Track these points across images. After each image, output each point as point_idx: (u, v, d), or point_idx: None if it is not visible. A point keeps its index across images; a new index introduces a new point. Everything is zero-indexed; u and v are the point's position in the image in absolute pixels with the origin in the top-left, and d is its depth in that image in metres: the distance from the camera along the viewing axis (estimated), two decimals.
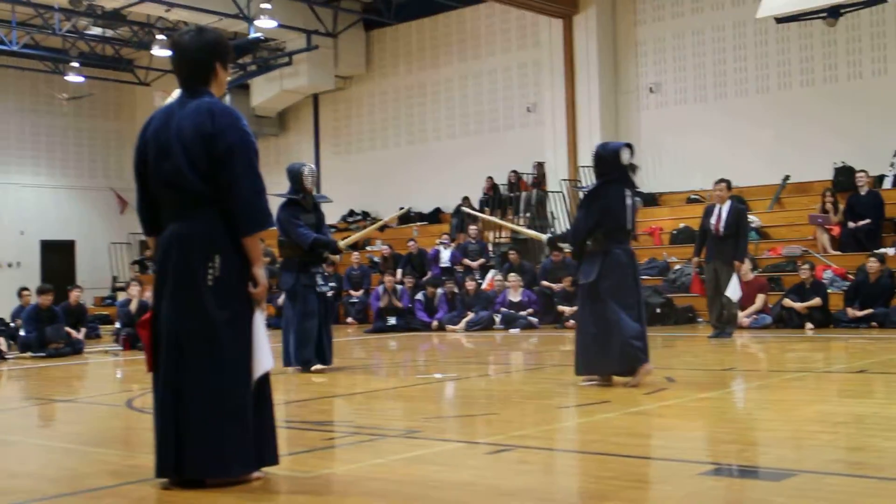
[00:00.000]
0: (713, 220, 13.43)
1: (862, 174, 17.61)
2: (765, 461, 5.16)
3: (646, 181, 21.85)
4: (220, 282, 4.68)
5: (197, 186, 4.66)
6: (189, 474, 4.63)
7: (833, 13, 15.88)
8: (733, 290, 13.12)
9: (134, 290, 17.12)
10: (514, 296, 17.86)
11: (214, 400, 4.63)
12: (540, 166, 22.83)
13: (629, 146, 8.55)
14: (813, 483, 4.46)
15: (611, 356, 8.19)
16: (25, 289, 17.89)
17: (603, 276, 8.18)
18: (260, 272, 4.80)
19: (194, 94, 4.79)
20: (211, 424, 4.59)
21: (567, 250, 9.70)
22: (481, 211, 23.01)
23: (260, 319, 4.82)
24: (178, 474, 4.64)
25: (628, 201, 8.43)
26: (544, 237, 10.22)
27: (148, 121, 4.91)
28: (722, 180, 13.81)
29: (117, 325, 17.24)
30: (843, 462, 5.00)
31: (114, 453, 6.17)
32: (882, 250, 16.24)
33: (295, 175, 10.50)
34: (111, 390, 10.76)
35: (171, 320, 4.69)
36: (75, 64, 27.74)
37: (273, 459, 4.83)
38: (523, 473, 5.03)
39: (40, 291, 16.28)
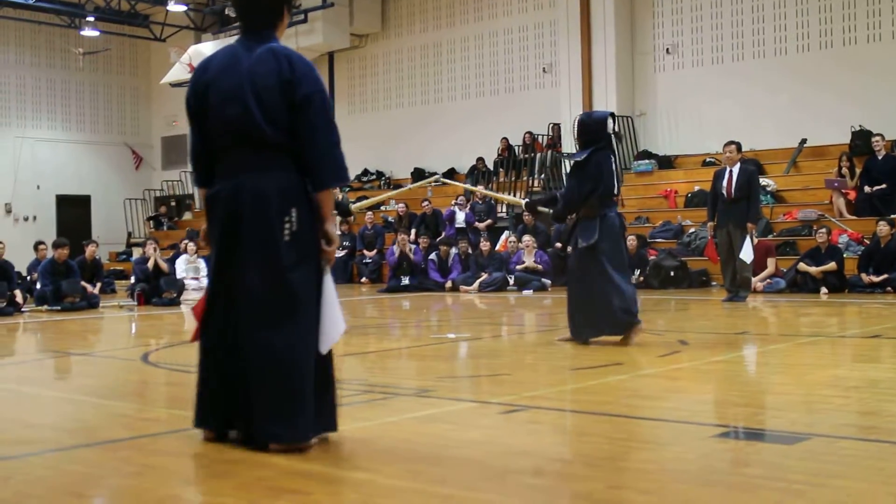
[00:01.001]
0: (724, 183, 13.37)
1: (879, 138, 17.56)
2: (776, 424, 5.15)
3: (661, 144, 21.84)
4: (296, 237, 4.40)
5: (270, 135, 4.39)
6: (259, 440, 4.35)
7: None
8: (747, 253, 13.08)
9: (150, 249, 17.20)
10: (528, 257, 17.86)
11: (289, 361, 4.36)
12: (555, 128, 22.74)
13: (613, 115, 8.92)
14: (825, 447, 4.46)
15: (609, 318, 8.42)
16: (42, 243, 17.95)
17: (601, 240, 8.39)
18: (332, 228, 4.53)
19: (261, 39, 4.53)
20: (285, 388, 4.33)
21: (546, 213, 9.75)
22: (496, 173, 22.99)
23: (330, 279, 4.55)
24: (244, 440, 4.43)
25: (615, 167, 8.75)
26: (522, 201, 10.45)
27: (205, 62, 4.63)
28: (731, 142, 13.72)
29: (132, 280, 17.31)
30: (856, 426, 5.00)
31: (129, 406, 6.21)
32: None
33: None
34: (126, 345, 10.82)
35: (246, 278, 4.40)
36: (91, 18, 27.75)
37: (332, 426, 4.59)
38: (535, 433, 5.05)
39: (56, 245, 16.38)
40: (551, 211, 9.46)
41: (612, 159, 8.75)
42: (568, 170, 9.80)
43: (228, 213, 4.45)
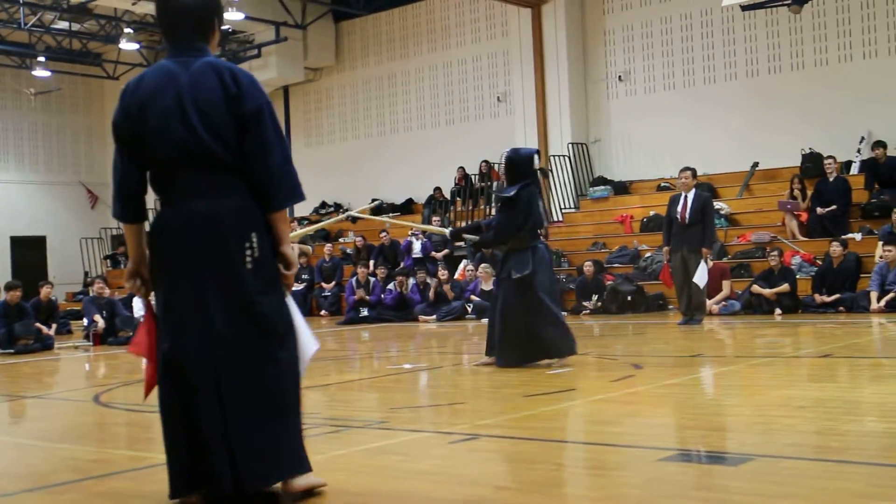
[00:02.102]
0: (679, 209, 13.48)
1: (829, 160, 17.74)
2: (725, 446, 5.19)
3: (616, 170, 21.98)
4: (259, 263, 4.03)
5: (219, 155, 4.00)
6: (249, 487, 3.96)
7: (798, 0, 15.98)
8: (701, 277, 13.19)
9: (97, 287, 17.10)
10: (486, 285, 17.89)
11: (270, 399, 4.02)
12: None
13: (538, 152, 9.61)
14: (770, 467, 4.49)
15: (544, 345, 8.87)
16: None
17: (535, 271, 8.81)
18: (290, 251, 4.19)
19: (195, 53, 4.15)
20: (270, 428, 4.00)
21: (470, 242, 10.33)
22: (452, 202, 23.05)
23: (292, 301, 4.26)
24: (234, 488, 3.94)
25: (541, 202, 9.40)
26: (446, 231, 10.91)
27: (134, 82, 4.19)
28: (687, 168, 13.87)
29: (85, 321, 17.16)
30: (803, 446, 5.03)
31: (79, 449, 6.13)
32: (849, 235, 16.39)
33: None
34: (80, 386, 10.71)
35: (211, 315, 3.96)
36: (42, 58, 27.60)
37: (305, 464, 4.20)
38: (484, 462, 5.04)
39: (8, 288, 16.22)
40: (476, 238, 10.00)
41: (539, 194, 9.37)
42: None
43: (181, 244, 4.04)
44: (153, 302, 4.28)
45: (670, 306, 16.93)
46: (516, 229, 8.94)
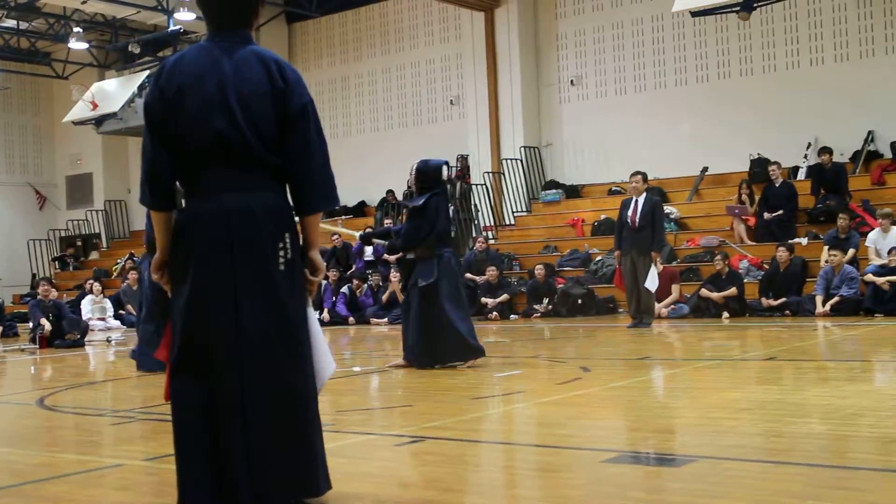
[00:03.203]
0: (629, 213, 13.58)
1: (775, 166, 17.93)
2: (668, 448, 5.23)
3: (568, 174, 22.07)
4: (290, 265, 3.83)
5: (259, 151, 3.79)
6: (283, 498, 3.76)
7: (746, 7, 16.13)
8: (651, 282, 13.29)
9: (42, 290, 16.94)
10: None
11: (303, 405, 3.83)
12: (464, 159, 22.86)
13: (447, 163, 9.84)
14: (710, 468, 4.54)
15: (451, 348, 9.22)
16: None
17: (440, 279, 9.15)
18: (319, 256, 4.01)
19: (239, 39, 3.91)
20: (294, 439, 3.78)
21: (379, 245, 10.66)
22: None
23: (313, 312, 4.02)
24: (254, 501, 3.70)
25: (449, 211, 9.63)
26: (356, 234, 11.43)
27: (173, 62, 3.91)
28: (637, 173, 13.97)
29: (31, 324, 17.01)
30: (744, 447, 5.08)
31: (21, 452, 6.06)
32: (795, 240, 16.56)
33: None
34: (24, 389, 10.59)
35: (243, 315, 3.74)
36: None
37: (328, 481, 4.00)
38: (430, 464, 5.04)
39: None
40: (385, 243, 10.48)
41: (447, 204, 9.60)
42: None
43: (212, 238, 3.78)
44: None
45: (620, 309, 17.03)
46: (423, 237, 9.26)
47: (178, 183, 3.94)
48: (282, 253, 3.80)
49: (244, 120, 3.76)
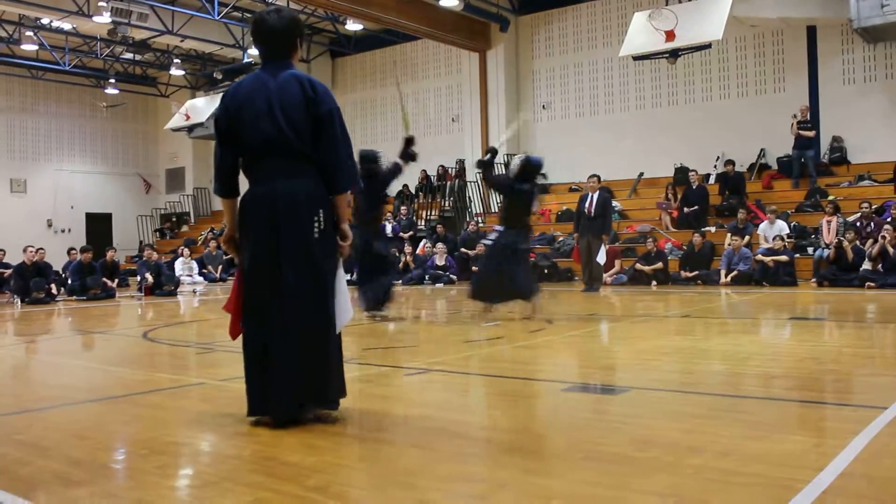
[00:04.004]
0: (586, 205, 13.56)
1: (693, 172, 17.87)
2: (608, 381, 5.24)
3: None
4: (323, 234, 3.91)
5: (297, 145, 3.87)
6: (311, 404, 3.95)
7: (673, 55, 16.06)
8: (601, 257, 13.30)
9: (146, 253, 17.07)
10: (440, 260, 17.89)
11: (325, 339, 3.91)
12: (461, 162, 22.81)
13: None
14: (640, 396, 4.55)
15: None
16: (73, 249, 17.62)
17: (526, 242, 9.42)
18: (346, 227, 4.06)
19: (282, 66, 4.01)
20: (324, 361, 3.91)
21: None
22: (416, 196, 22.96)
23: (342, 271, 4.06)
24: (289, 412, 3.89)
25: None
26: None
27: (233, 89, 4.07)
28: (593, 175, 13.99)
29: (139, 277, 17.03)
30: (665, 381, 5.09)
31: (129, 371, 6.10)
32: (706, 228, 16.55)
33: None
34: (132, 325, 10.62)
35: (285, 270, 3.83)
36: (112, 80, 27.27)
37: (344, 391, 4.12)
38: (430, 390, 5.06)
39: (83, 250, 16.14)
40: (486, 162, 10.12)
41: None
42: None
43: (267, 212, 3.88)
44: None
45: (576, 278, 17.00)
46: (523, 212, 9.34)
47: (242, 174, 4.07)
48: (316, 225, 3.88)
49: (286, 124, 3.87)
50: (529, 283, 9.33)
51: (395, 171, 10.01)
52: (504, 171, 10.02)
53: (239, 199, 4.05)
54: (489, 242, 9.44)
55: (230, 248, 4.12)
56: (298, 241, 3.86)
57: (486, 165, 10.09)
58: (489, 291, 9.25)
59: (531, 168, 9.50)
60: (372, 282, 9.71)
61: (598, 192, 13.63)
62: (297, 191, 3.89)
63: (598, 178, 14.08)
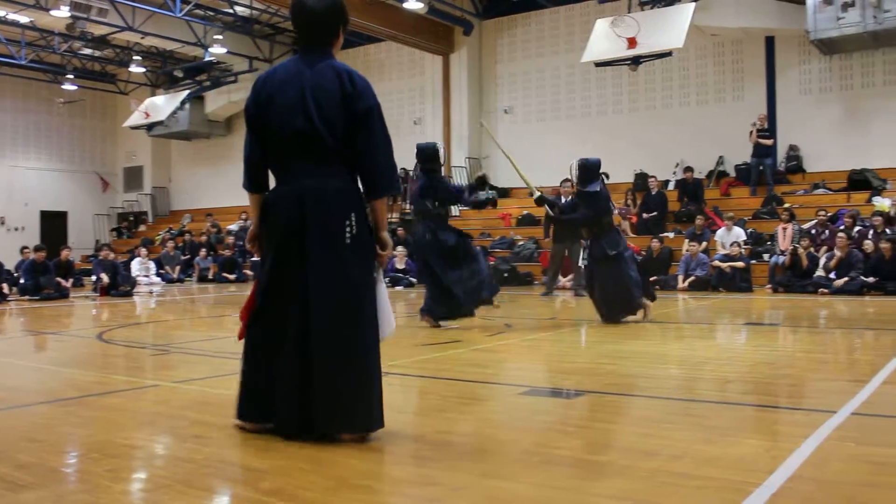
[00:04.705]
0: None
1: (653, 179, 18.07)
2: (564, 384, 5.26)
3: (500, 179, 22.04)
4: (356, 240, 3.56)
5: (330, 144, 3.53)
6: (315, 431, 3.54)
7: (635, 62, 16.22)
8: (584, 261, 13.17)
9: (103, 253, 16.86)
10: (400, 263, 17.87)
11: (349, 357, 3.50)
12: None
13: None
14: (595, 400, 4.57)
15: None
16: (26, 247, 17.31)
17: (623, 248, 9.11)
18: (386, 235, 3.70)
19: (320, 56, 3.67)
20: (346, 383, 3.50)
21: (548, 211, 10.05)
22: None
23: (382, 280, 3.74)
24: (300, 430, 3.55)
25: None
26: (536, 193, 10.15)
27: (266, 76, 3.73)
28: (567, 179, 13.90)
29: (94, 277, 16.82)
30: (620, 385, 5.13)
31: (83, 373, 6.02)
32: (664, 234, 16.72)
33: (432, 153, 9.72)
34: (87, 326, 10.47)
35: (311, 276, 3.51)
36: (70, 76, 26.91)
37: (378, 421, 3.65)
38: (389, 392, 4.97)
39: (36, 249, 15.94)
40: (551, 212, 10.04)
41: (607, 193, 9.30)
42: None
43: (292, 214, 3.57)
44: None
45: (535, 282, 17.09)
46: (590, 219, 9.11)
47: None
48: (348, 228, 3.54)
49: (319, 119, 3.54)
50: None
51: (457, 193, 9.52)
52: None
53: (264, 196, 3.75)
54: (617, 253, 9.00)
55: (254, 248, 3.83)
56: (327, 245, 3.53)
57: (546, 203, 9.93)
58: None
59: (590, 169, 9.27)
60: (461, 279, 8.82)
61: (571, 197, 13.48)
62: (327, 190, 3.57)
63: (573, 182, 13.97)
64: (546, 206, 9.91)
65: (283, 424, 3.59)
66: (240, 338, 3.79)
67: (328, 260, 3.52)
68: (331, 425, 3.53)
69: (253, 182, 3.75)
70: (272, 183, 3.77)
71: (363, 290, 3.58)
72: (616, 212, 17.97)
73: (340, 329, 3.49)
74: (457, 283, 8.65)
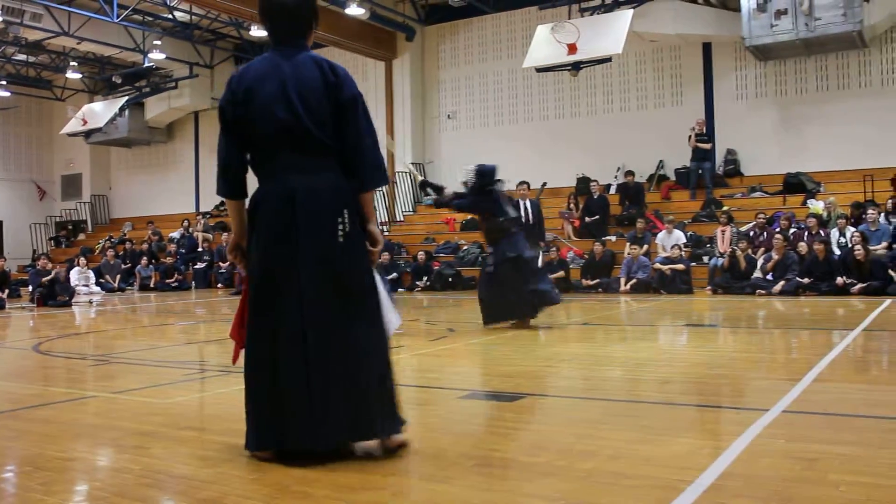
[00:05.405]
0: (522, 212, 13.40)
1: (595, 183, 18.26)
2: (505, 388, 5.28)
3: (444, 183, 21.99)
4: (348, 237, 3.40)
5: (317, 136, 3.39)
6: (325, 445, 3.34)
7: (576, 67, 16.40)
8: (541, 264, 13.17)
9: (41, 263, 16.57)
10: None
11: (353, 362, 3.34)
12: None
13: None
14: (535, 403, 4.63)
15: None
16: None
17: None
18: (376, 229, 3.56)
19: (296, 48, 3.53)
20: (351, 389, 3.33)
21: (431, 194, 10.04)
22: None
23: (378, 277, 3.56)
24: (311, 443, 3.33)
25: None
26: (420, 177, 10.41)
27: (240, 73, 3.54)
28: (522, 182, 13.82)
29: (30, 287, 16.47)
30: (560, 388, 5.20)
31: (17, 385, 5.90)
32: (606, 237, 16.91)
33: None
34: (23, 337, 10.24)
35: (304, 279, 3.32)
36: (4, 82, 26.24)
37: (397, 426, 3.54)
38: None
39: None
40: (435, 196, 9.73)
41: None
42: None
43: (280, 214, 3.38)
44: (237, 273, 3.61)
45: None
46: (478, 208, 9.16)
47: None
48: (340, 227, 3.39)
49: (304, 110, 3.39)
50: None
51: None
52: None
53: (248, 200, 3.55)
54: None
55: (237, 258, 3.61)
56: (320, 246, 3.37)
57: (430, 187, 9.92)
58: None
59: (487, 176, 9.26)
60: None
61: (530, 200, 13.46)
62: (318, 187, 3.40)
63: (528, 184, 13.91)
64: (431, 190, 9.93)
65: (294, 440, 3.34)
66: (234, 360, 3.60)
67: (321, 259, 3.36)
68: (336, 437, 3.34)
69: (232, 187, 3.53)
70: (248, 186, 3.60)
71: (361, 291, 3.43)
72: (561, 215, 18.17)
73: (337, 330, 3.33)
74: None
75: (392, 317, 3.58)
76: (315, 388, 3.28)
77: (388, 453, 3.42)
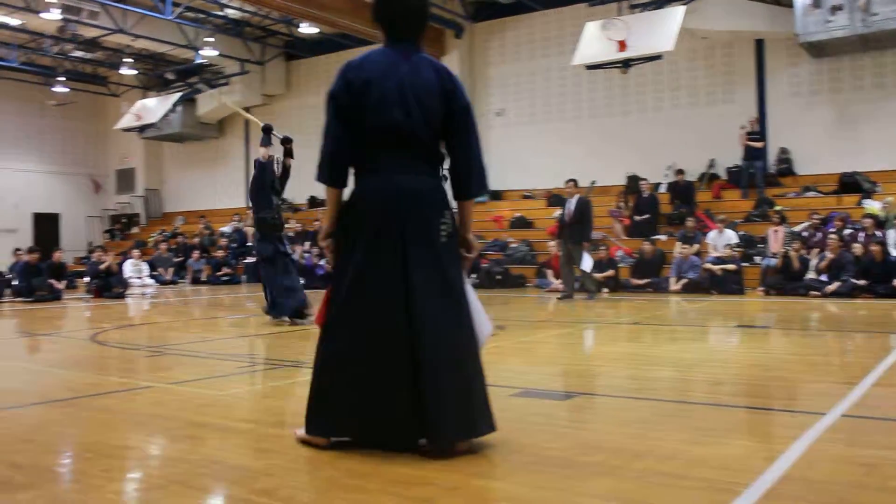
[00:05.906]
0: (565, 211, 13.47)
1: (644, 181, 18.11)
2: (556, 386, 5.29)
3: (493, 181, 21.88)
4: (450, 238, 3.41)
5: (427, 140, 3.39)
6: (443, 442, 3.31)
7: (626, 64, 16.28)
8: (586, 264, 13.18)
9: (96, 255, 16.92)
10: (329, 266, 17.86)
11: (461, 358, 3.36)
12: None
13: None
14: (587, 402, 4.61)
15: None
16: (19, 249, 17.30)
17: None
18: (473, 237, 3.58)
19: (412, 47, 3.50)
20: (463, 386, 3.34)
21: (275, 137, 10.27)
22: None
23: (470, 285, 3.55)
24: (436, 442, 3.31)
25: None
26: (261, 123, 10.58)
27: (358, 62, 3.47)
28: (570, 179, 13.86)
29: (87, 279, 16.80)
30: (612, 387, 5.16)
31: (76, 374, 6.02)
32: (656, 237, 16.77)
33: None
34: (80, 328, 10.45)
35: (408, 269, 3.29)
36: (61, 78, 26.84)
37: (492, 423, 3.50)
38: None
39: (29, 251, 15.96)
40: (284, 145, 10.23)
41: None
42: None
43: (385, 208, 3.35)
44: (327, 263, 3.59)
45: (528, 284, 17.13)
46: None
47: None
48: (443, 228, 3.39)
49: (418, 114, 3.37)
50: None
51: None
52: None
53: (348, 193, 3.50)
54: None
55: (329, 247, 3.54)
56: (427, 245, 3.35)
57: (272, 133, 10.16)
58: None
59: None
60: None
61: (575, 198, 13.43)
62: (422, 188, 3.40)
63: (575, 182, 13.75)
64: (276, 137, 10.19)
65: (398, 436, 3.34)
66: (318, 323, 3.56)
67: (429, 260, 3.34)
68: (448, 432, 3.30)
69: (337, 175, 3.45)
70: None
71: (459, 290, 3.43)
72: (611, 214, 18.05)
73: (448, 330, 3.32)
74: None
75: (485, 322, 3.56)
76: (428, 388, 3.24)
77: (446, 453, 3.35)
